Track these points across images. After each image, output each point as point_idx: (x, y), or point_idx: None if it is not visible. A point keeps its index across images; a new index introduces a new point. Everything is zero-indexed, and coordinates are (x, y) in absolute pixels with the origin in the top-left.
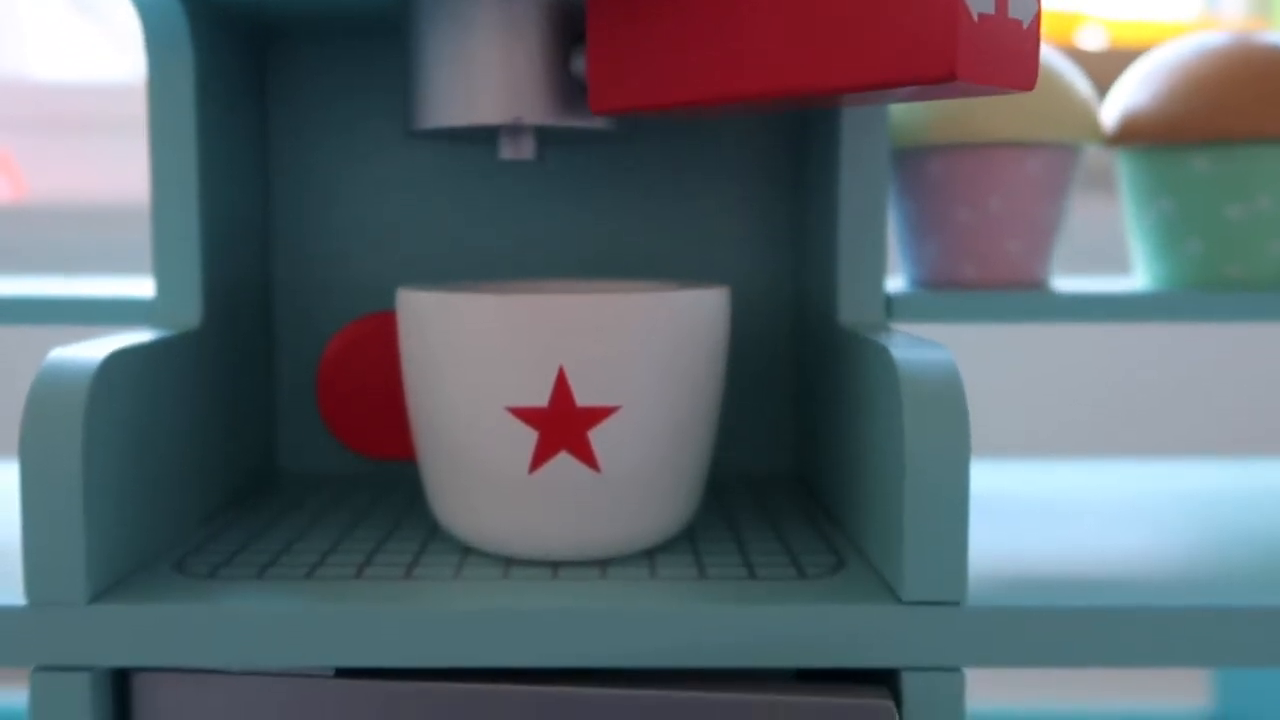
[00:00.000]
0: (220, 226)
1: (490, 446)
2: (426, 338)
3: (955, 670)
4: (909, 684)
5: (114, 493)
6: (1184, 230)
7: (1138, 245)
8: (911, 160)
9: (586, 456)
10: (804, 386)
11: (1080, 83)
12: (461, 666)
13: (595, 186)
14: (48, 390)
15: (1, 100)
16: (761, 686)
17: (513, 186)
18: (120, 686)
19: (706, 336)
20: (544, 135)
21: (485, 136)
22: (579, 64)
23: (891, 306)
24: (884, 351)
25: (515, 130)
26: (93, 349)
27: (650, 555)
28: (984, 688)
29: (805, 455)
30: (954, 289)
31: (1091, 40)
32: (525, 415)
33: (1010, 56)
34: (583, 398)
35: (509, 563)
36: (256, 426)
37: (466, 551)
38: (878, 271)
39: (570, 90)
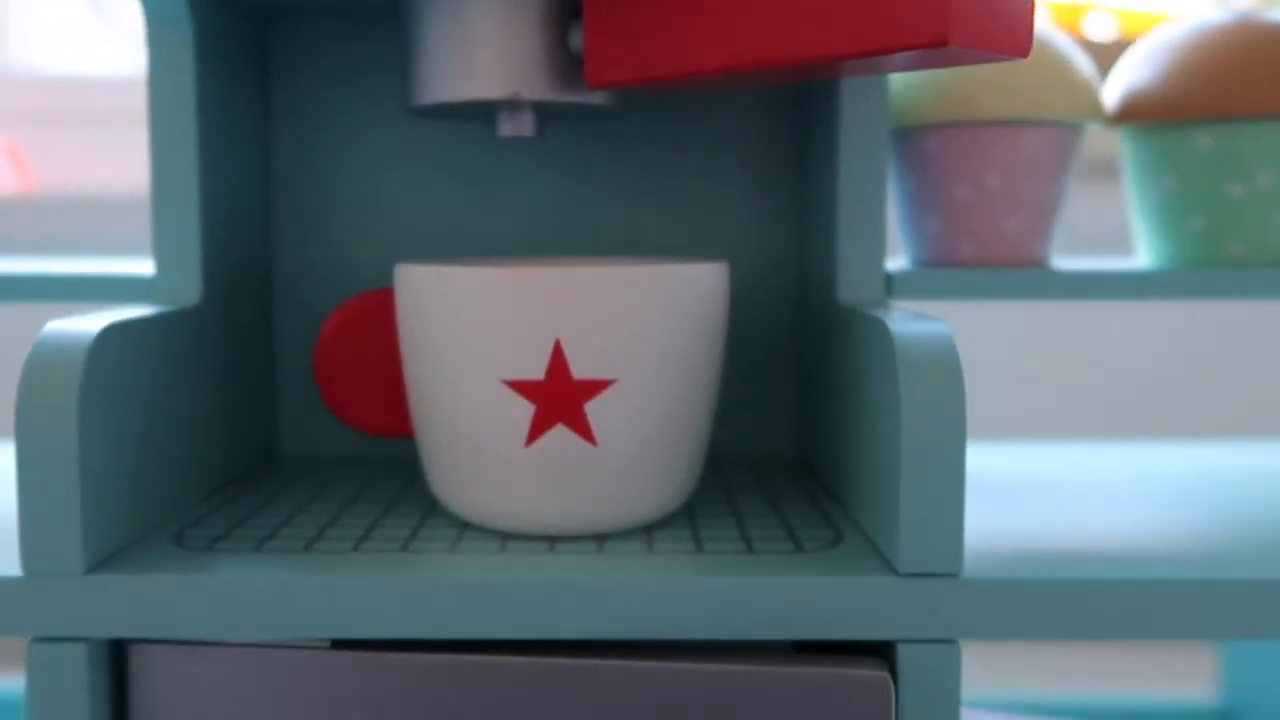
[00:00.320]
0: (220, 204)
1: (487, 420)
2: (423, 311)
3: (951, 642)
4: (905, 656)
5: (111, 465)
6: (1186, 208)
7: (1140, 224)
8: (911, 139)
9: (583, 430)
10: (805, 367)
11: (1081, 61)
12: (458, 639)
13: (596, 164)
14: (44, 360)
15: (10, 93)
16: (758, 658)
17: (513, 165)
18: (117, 658)
19: (704, 311)
20: (543, 112)
21: (485, 114)
22: (577, 39)
23: (891, 284)
24: (880, 324)
25: (514, 106)
26: (90, 322)
27: (648, 531)
28: (989, 677)
29: (806, 435)
30: (954, 268)
31: (1100, 29)
32: (522, 388)
33: (1005, 23)
34: (579, 371)
35: (506, 538)
36: (257, 406)
37: (464, 527)
38: (877, 249)
39: (569, 65)
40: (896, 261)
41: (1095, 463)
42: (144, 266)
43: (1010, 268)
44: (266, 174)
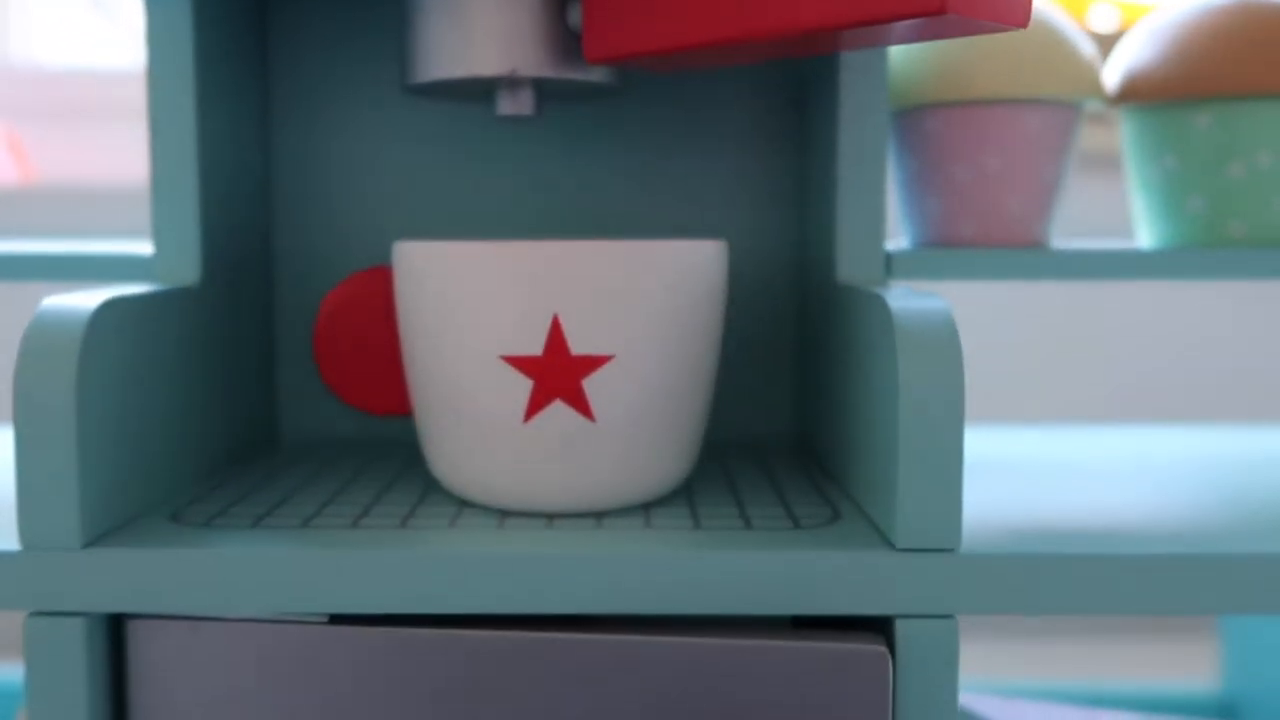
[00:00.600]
0: (219, 184)
1: (485, 396)
2: (422, 288)
3: (949, 618)
4: (903, 631)
5: (109, 440)
6: (1186, 188)
7: (1140, 205)
8: (911, 119)
9: (581, 405)
10: (804, 348)
11: (1081, 41)
12: (455, 614)
13: (596, 145)
14: (43, 334)
15: (11, 86)
16: (756, 634)
17: (512, 145)
18: (115, 632)
19: (702, 289)
20: (542, 90)
21: (484, 93)
22: (576, 16)
23: (891, 264)
24: (879, 299)
25: (513, 84)
26: (88, 297)
27: (646, 509)
28: (990, 667)
29: (805, 418)
30: (954, 248)
31: (1103, 21)
32: (520, 364)
33: None
34: (577, 346)
35: (504, 515)
36: (256, 387)
37: (462, 505)
38: (876, 229)
39: (567, 42)
40: (897, 244)
41: (1094, 446)
42: (143, 249)
43: (1010, 248)
44: (266, 154)
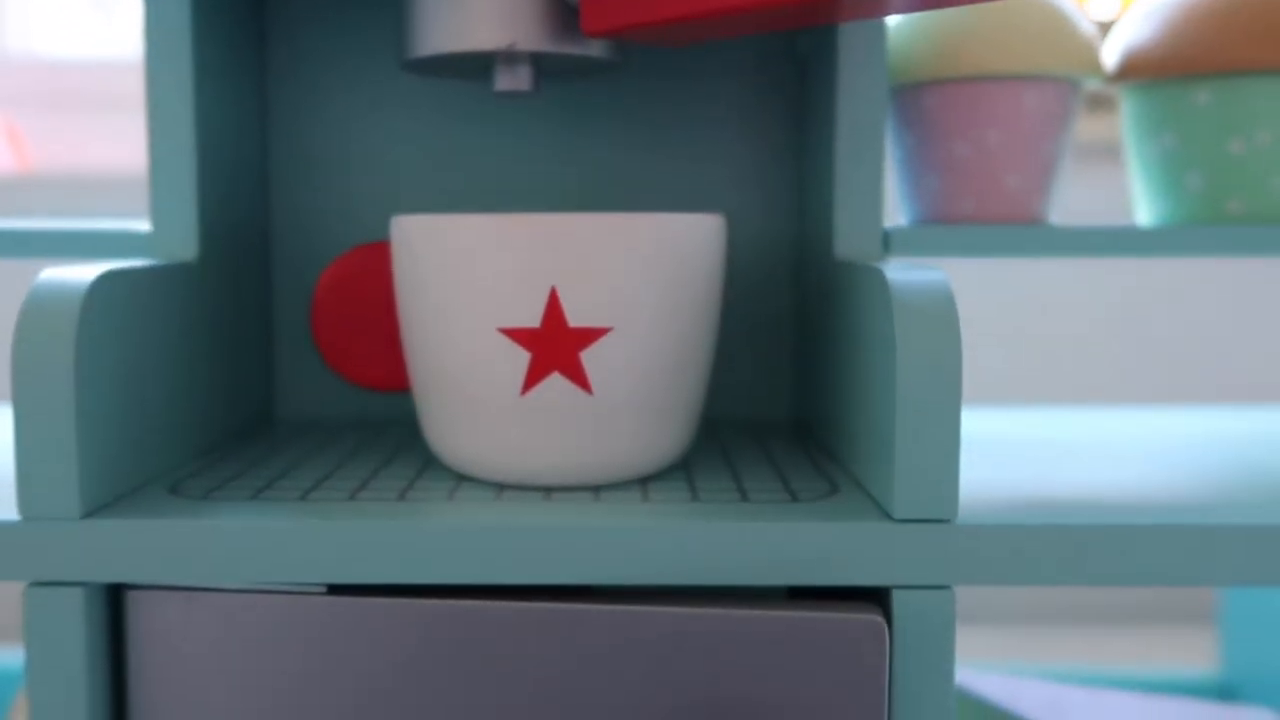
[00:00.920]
0: (217, 160)
1: (482, 368)
2: (419, 261)
3: (946, 588)
4: (900, 602)
5: (107, 412)
6: (1185, 165)
7: (1139, 183)
8: (910, 96)
9: (578, 377)
10: (803, 326)
11: (1080, 18)
12: (453, 584)
13: (594, 122)
14: (41, 304)
15: (10, 76)
16: (754, 604)
17: (511, 122)
18: (114, 603)
19: (700, 262)
20: (540, 66)
21: (482, 69)
22: None
23: (889, 241)
24: (876, 272)
25: (511, 59)
26: (86, 270)
27: (643, 483)
28: (989, 651)
29: (804, 396)
30: (952, 225)
31: (1104, 8)
32: (517, 336)
33: None
34: (575, 318)
35: (502, 488)
36: (254, 365)
37: (461, 479)
38: (875, 205)
39: (565, 17)
40: (895, 222)
41: (1092, 425)
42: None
43: (1009, 224)
44: (264, 129)
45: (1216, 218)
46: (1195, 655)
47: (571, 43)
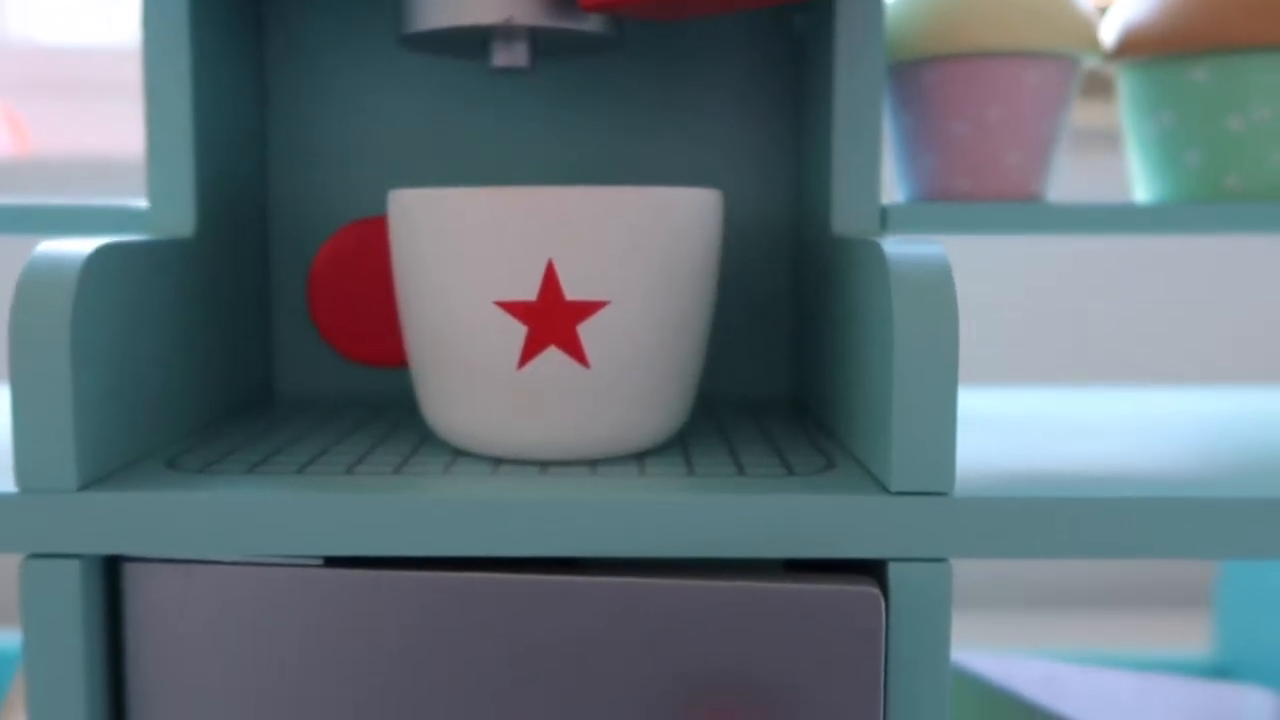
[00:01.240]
0: (214, 136)
1: (479, 342)
2: (416, 234)
3: (942, 561)
4: (896, 575)
5: (104, 385)
6: (1183, 142)
7: (1136, 161)
8: (907, 73)
9: (575, 351)
10: (800, 303)
11: None
12: (450, 556)
13: (591, 98)
14: (38, 277)
15: (10, 62)
16: (750, 576)
17: (509, 99)
18: (111, 575)
19: (697, 237)
20: (538, 43)
21: (480, 46)
22: None
23: (886, 218)
24: (874, 246)
25: (508, 35)
26: (83, 243)
27: (640, 457)
28: (985, 636)
29: (801, 373)
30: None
31: None
32: (514, 309)
33: None
34: (572, 292)
35: (498, 462)
36: (252, 341)
37: (457, 454)
38: (872, 182)
39: None
40: (893, 200)
41: (1091, 404)
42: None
43: (1008, 201)
44: (261, 105)
45: (1215, 195)
46: (1190, 639)
47: (569, 18)
